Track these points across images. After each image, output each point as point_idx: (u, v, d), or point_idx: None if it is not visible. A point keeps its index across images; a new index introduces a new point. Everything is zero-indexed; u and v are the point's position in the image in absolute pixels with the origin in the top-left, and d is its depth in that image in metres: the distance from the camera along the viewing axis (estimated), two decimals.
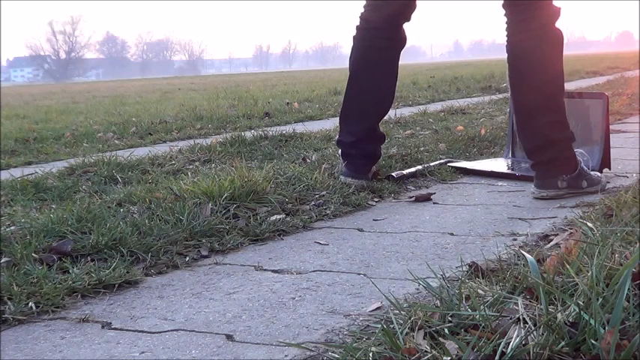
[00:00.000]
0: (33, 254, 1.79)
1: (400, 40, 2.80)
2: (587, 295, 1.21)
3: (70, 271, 1.71)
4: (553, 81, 2.59)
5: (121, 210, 2.25)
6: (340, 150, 2.88)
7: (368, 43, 2.80)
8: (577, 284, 1.28)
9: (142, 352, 1.32)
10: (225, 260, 1.91)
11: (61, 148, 4.48)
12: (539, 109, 2.57)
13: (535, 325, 1.16)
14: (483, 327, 1.19)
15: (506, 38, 2.64)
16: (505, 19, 2.63)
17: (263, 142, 3.91)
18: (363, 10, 2.80)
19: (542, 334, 1.12)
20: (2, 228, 2.03)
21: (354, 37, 2.82)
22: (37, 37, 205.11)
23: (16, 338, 1.41)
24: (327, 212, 2.36)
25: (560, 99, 2.60)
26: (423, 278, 1.48)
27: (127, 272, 1.74)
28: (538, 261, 1.45)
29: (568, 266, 1.38)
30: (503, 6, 2.63)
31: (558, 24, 2.59)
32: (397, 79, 2.84)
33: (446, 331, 1.21)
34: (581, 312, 1.14)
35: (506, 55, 2.63)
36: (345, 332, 1.35)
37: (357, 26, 2.82)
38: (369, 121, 2.82)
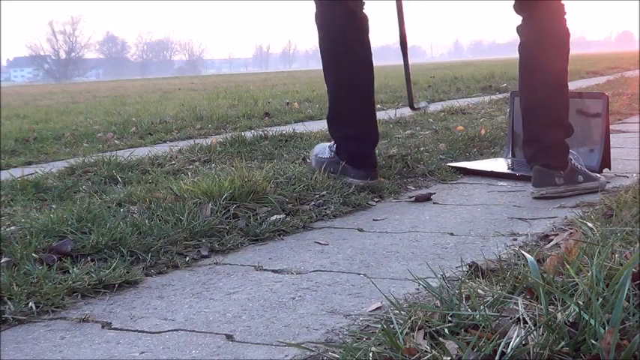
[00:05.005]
0: (33, 254, 1.79)
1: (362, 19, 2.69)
2: (587, 295, 1.21)
3: (70, 271, 1.71)
4: (555, 80, 2.62)
5: (121, 210, 2.25)
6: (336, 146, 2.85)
7: (331, 36, 2.70)
8: (577, 284, 1.28)
9: (142, 352, 1.32)
10: (225, 260, 1.91)
11: (61, 148, 4.47)
12: (540, 107, 2.62)
13: (535, 325, 1.16)
14: (483, 327, 1.19)
15: (518, 37, 2.69)
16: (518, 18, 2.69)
17: (263, 142, 3.91)
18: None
19: (542, 334, 1.12)
20: (2, 228, 2.03)
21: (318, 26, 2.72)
22: (37, 37, 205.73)
23: (16, 338, 1.41)
24: (327, 212, 2.36)
25: (561, 99, 2.62)
26: (423, 278, 1.48)
27: (127, 272, 1.74)
28: (538, 261, 1.45)
29: (568, 266, 1.39)
30: (514, 6, 2.68)
31: (566, 21, 2.62)
32: (371, 53, 2.75)
33: (446, 331, 1.21)
34: (581, 312, 1.14)
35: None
36: (345, 332, 1.35)
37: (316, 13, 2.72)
38: (363, 109, 2.75)
